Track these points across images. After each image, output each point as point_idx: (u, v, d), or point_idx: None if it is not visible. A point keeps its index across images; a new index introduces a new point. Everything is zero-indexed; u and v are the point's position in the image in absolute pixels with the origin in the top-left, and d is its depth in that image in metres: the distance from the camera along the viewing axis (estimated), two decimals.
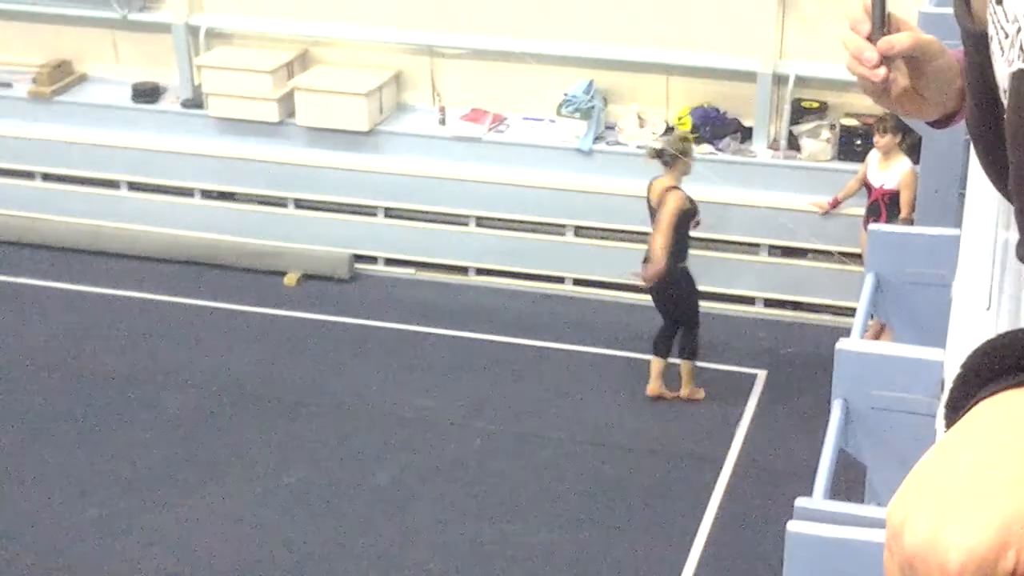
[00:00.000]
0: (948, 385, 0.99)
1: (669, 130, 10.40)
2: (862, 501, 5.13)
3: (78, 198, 11.64)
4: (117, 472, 8.66)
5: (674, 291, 9.04)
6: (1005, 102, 1.01)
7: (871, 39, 1.70)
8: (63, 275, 11.15)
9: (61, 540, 8.04)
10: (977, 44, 1.15)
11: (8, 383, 9.65)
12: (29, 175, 11.77)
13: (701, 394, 9.35)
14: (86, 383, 9.64)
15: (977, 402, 0.94)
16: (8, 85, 11.81)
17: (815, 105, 10.25)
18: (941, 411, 1.01)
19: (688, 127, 10.42)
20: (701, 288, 9.56)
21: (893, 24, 1.71)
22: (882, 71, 1.69)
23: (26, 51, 11.89)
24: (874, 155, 9.37)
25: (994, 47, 1.03)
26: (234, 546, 8.00)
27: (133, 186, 11.57)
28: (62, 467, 8.71)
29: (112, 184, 11.60)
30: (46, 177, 11.74)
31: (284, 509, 8.30)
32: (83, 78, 11.92)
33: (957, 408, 0.96)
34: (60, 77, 11.72)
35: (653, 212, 8.96)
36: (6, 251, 11.52)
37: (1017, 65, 0.96)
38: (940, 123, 1.85)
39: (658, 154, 8.95)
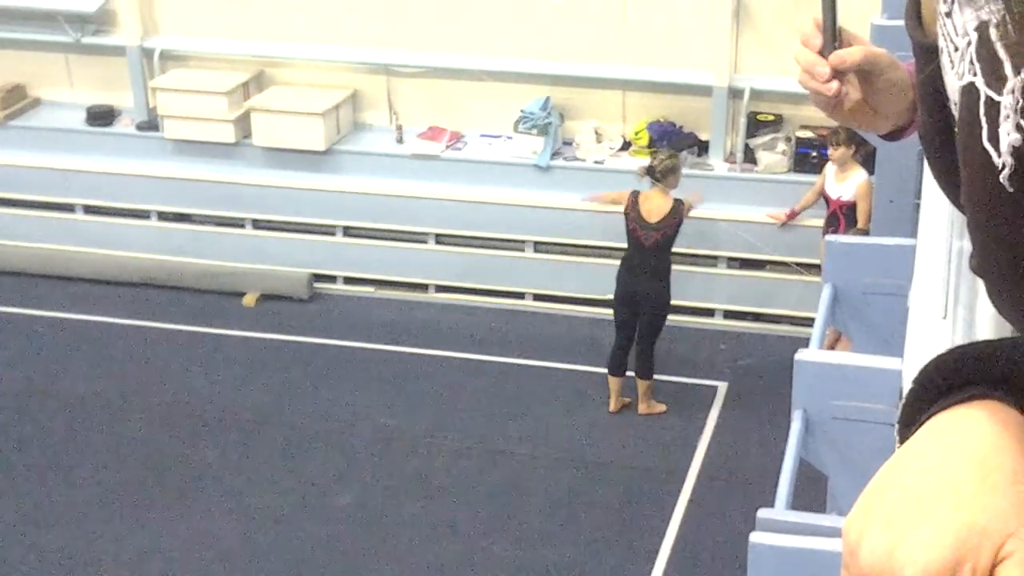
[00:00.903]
0: (901, 400, 0.99)
1: (636, 147, 10.43)
2: (824, 511, 5.16)
3: (34, 222, 11.55)
4: (76, 497, 8.58)
5: (665, 310, 9.08)
6: (956, 115, 1.02)
7: (823, 53, 1.71)
8: (19, 300, 11.05)
9: (20, 566, 7.95)
10: (928, 56, 1.16)
11: None
12: None
13: (662, 408, 9.37)
14: (44, 408, 9.55)
15: (929, 417, 0.94)
16: None
17: (771, 118, 10.32)
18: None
19: (645, 141, 10.47)
20: None
21: (844, 38, 1.73)
22: (834, 85, 1.71)
23: None
24: (830, 167, 9.44)
25: (944, 60, 1.04)
26: (197, 569, 7.93)
27: (89, 209, 11.49)
28: (20, 494, 8.61)
29: (68, 208, 11.52)
30: (1, 202, 11.64)
31: (246, 530, 8.25)
32: (37, 102, 11.83)
33: (909, 424, 0.96)
34: (13, 101, 11.63)
35: (644, 224, 8.95)
36: None
37: (967, 79, 0.97)
38: (893, 135, 1.87)
39: (648, 171, 9.02)
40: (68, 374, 10.00)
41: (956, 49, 0.99)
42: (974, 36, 0.94)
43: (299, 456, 9.00)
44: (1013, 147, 0.90)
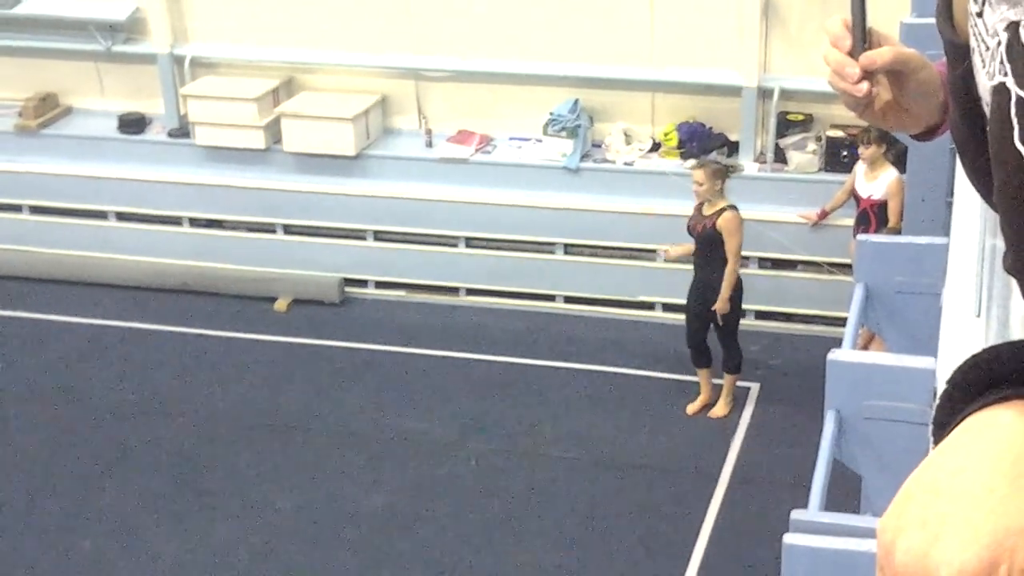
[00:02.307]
0: (935, 401, 0.99)
1: (655, 147, 10.41)
2: (857, 512, 5.13)
3: (66, 230, 11.63)
4: (110, 503, 8.63)
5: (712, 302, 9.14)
6: (987, 114, 1.02)
7: (852, 54, 1.70)
8: (52, 307, 11.13)
9: (55, 572, 8.01)
10: (960, 55, 1.15)
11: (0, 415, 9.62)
12: (16, 208, 11.76)
13: (723, 411, 9.41)
14: (78, 414, 9.61)
15: (964, 418, 0.94)
16: None
17: (800, 117, 10.28)
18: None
19: (675, 143, 10.45)
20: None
21: (874, 39, 1.72)
22: (864, 86, 1.70)
23: (11, 85, 11.90)
24: (861, 166, 9.39)
25: (976, 60, 1.04)
26: (228, 574, 7.97)
27: (121, 216, 11.56)
28: (55, 499, 8.67)
29: (100, 215, 11.59)
30: (34, 210, 11.73)
31: (277, 535, 8.28)
32: (69, 110, 11.93)
33: (944, 424, 0.96)
34: (46, 110, 11.72)
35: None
36: None
37: (998, 79, 0.96)
38: (924, 136, 1.86)
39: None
40: (100, 380, 10.07)
41: (987, 49, 0.99)
42: (1004, 36, 0.94)
43: (329, 460, 9.03)
44: None
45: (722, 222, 8.84)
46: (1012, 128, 0.93)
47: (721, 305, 8.93)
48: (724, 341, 9.23)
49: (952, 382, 0.96)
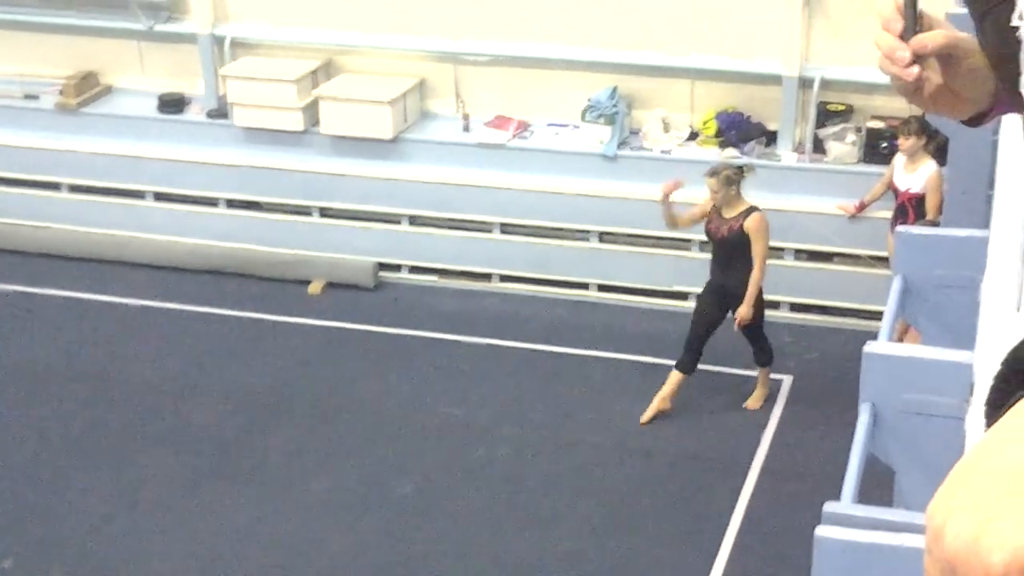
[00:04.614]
0: (987, 383, 0.97)
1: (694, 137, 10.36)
2: (890, 505, 5.10)
3: (104, 209, 11.69)
4: (144, 481, 8.69)
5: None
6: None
7: (903, 38, 1.68)
8: (90, 286, 11.20)
9: (90, 549, 8.07)
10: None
11: (36, 394, 9.70)
12: (55, 186, 11.84)
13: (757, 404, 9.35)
14: (114, 393, 9.68)
15: (1017, 400, 0.92)
16: (35, 97, 11.88)
17: (840, 108, 10.21)
18: (974, 412, 1.00)
19: (713, 131, 10.40)
20: None
21: (926, 22, 1.70)
22: (915, 70, 1.68)
23: (52, 63, 11.96)
24: (900, 158, 9.32)
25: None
26: (260, 554, 8.01)
27: (159, 196, 11.61)
28: (91, 477, 8.74)
29: (138, 195, 11.65)
30: (73, 188, 11.80)
31: (310, 517, 8.31)
32: (109, 89, 11.98)
33: (998, 406, 0.94)
34: (86, 89, 11.78)
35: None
36: (32, 263, 11.58)
37: None
38: (975, 120, 1.83)
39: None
40: (136, 360, 10.13)
41: None
42: None
43: (362, 444, 9.05)
44: None
45: (751, 223, 8.73)
46: None
47: (745, 311, 8.81)
48: (751, 338, 9.16)
49: (1007, 363, 0.95)
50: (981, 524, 0.84)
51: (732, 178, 8.78)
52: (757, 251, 8.74)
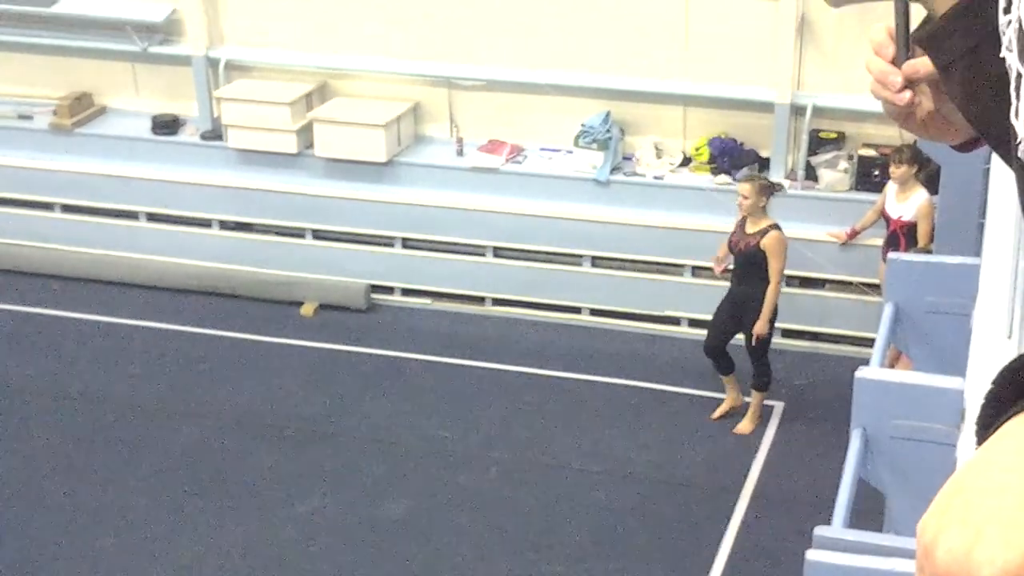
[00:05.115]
0: (978, 403, 0.98)
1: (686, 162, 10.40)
2: (881, 530, 5.10)
3: (97, 229, 11.69)
4: (132, 502, 8.66)
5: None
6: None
7: (895, 63, 1.70)
8: (81, 306, 11.19)
9: (76, 568, 8.04)
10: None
11: (25, 412, 9.68)
12: (49, 206, 11.83)
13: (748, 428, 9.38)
14: (104, 413, 9.66)
15: (1009, 418, 0.93)
16: (29, 117, 11.89)
17: (833, 135, 10.25)
18: (966, 438, 1.01)
19: (706, 157, 10.44)
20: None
21: (918, 48, 1.71)
22: (907, 95, 1.69)
23: (47, 83, 11.98)
24: (891, 186, 9.36)
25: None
26: (247, 575, 7.99)
27: (152, 217, 11.62)
28: (78, 496, 8.71)
29: (131, 215, 11.66)
30: (66, 208, 11.80)
31: (297, 540, 8.29)
32: (103, 110, 12.00)
33: (988, 425, 0.95)
34: (80, 109, 11.80)
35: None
36: (25, 282, 11.57)
37: (1008, 57, 0.97)
38: (966, 146, 1.85)
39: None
40: (127, 379, 10.11)
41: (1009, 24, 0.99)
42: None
43: (352, 466, 9.03)
44: None
45: (767, 242, 8.83)
46: (1012, 103, 0.93)
47: (761, 326, 8.91)
48: (755, 358, 9.20)
49: (997, 382, 0.96)
50: (972, 540, 0.85)
51: (765, 189, 8.92)
52: (774, 268, 8.87)
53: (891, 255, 5.70)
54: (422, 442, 9.27)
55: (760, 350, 9.13)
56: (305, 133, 11.09)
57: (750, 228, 8.93)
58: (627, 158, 10.69)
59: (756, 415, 9.36)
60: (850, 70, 9.66)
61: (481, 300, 11.05)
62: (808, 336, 10.38)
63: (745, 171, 10.19)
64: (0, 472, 8.99)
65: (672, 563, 8.05)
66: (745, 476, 8.86)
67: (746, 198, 8.89)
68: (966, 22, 1.18)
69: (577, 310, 10.82)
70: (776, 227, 8.92)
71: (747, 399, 9.40)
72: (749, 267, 8.95)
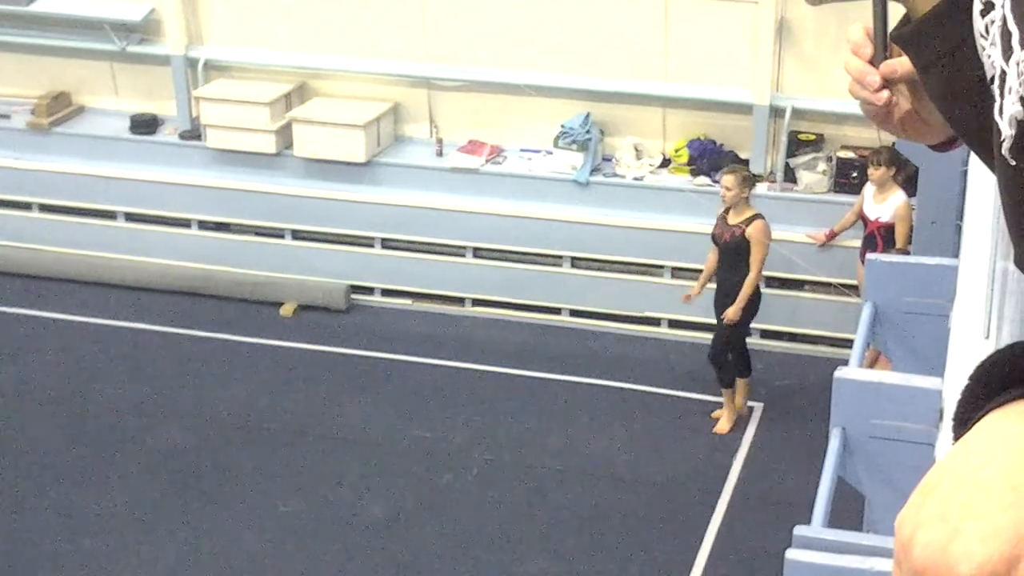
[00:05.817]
0: (955, 399, 0.99)
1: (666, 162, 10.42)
2: (860, 529, 5.12)
3: (75, 229, 11.64)
4: (111, 502, 8.63)
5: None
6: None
7: (873, 62, 1.70)
8: (59, 306, 11.14)
9: (59, 569, 8.00)
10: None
11: (2, 414, 9.62)
12: (27, 206, 11.78)
13: (724, 428, 9.40)
14: (81, 413, 9.62)
15: (985, 414, 0.94)
16: (6, 116, 11.83)
17: (811, 137, 10.28)
18: (944, 434, 1.02)
19: (685, 159, 10.46)
20: (696, 319, 9.58)
21: (895, 48, 1.72)
22: (884, 94, 1.69)
23: (25, 83, 11.92)
24: (869, 188, 9.39)
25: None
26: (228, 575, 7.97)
27: (130, 217, 11.57)
28: (54, 500, 8.67)
29: (109, 215, 11.61)
30: (43, 208, 11.74)
31: (278, 540, 8.27)
32: (81, 110, 11.95)
33: (965, 421, 0.96)
34: (58, 108, 11.74)
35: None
36: (2, 282, 11.51)
37: (989, 54, 0.98)
38: (943, 146, 1.85)
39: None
40: (106, 380, 10.07)
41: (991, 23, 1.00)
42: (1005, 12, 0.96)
43: (332, 467, 9.02)
44: (1015, 119, 0.90)
45: (751, 230, 8.90)
46: (995, 101, 0.94)
47: (733, 313, 8.93)
48: (733, 346, 9.25)
49: (974, 378, 0.96)
50: (949, 535, 0.85)
51: (748, 179, 9.01)
52: (755, 257, 8.92)
53: (870, 256, 5.72)
54: (401, 442, 9.26)
55: (738, 338, 9.17)
56: (284, 133, 11.06)
57: (732, 219, 8.97)
58: (607, 159, 10.71)
59: (732, 411, 9.36)
60: (829, 73, 9.70)
61: (461, 301, 11.04)
62: (787, 337, 10.41)
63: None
64: None
65: (653, 563, 8.06)
66: (725, 476, 8.88)
67: (729, 189, 8.94)
68: (948, 22, 1.18)
69: (557, 311, 10.83)
70: (760, 216, 8.98)
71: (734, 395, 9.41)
72: (735, 257, 8.98)
